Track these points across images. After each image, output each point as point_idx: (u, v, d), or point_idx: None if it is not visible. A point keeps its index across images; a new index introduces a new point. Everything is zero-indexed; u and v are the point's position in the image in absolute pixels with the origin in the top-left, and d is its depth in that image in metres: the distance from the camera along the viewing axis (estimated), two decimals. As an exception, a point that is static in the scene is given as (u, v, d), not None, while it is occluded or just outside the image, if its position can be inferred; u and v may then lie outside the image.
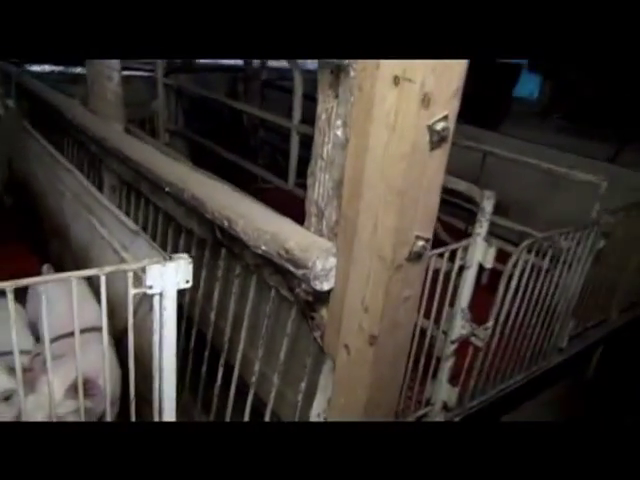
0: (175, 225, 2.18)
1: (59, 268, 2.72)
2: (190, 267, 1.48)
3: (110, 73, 2.69)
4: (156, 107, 4.02)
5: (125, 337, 2.00)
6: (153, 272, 1.43)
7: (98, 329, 1.92)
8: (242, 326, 1.77)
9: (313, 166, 1.31)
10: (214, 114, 4.30)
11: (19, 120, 3.26)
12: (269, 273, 1.62)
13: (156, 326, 1.50)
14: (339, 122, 1.20)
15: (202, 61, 4.78)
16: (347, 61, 1.15)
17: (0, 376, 1.45)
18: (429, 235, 1.18)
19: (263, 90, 4.90)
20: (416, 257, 1.17)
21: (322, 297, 1.36)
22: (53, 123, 3.22)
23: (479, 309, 2.00)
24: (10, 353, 1.72)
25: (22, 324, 1.93)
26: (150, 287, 1.44)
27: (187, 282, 1.50)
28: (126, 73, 4.83)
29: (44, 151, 2.51)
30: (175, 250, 2.27)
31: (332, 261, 1.28)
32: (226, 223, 1.57)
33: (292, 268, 1.33)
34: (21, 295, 2.13)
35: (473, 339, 1.92)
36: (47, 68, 4.16)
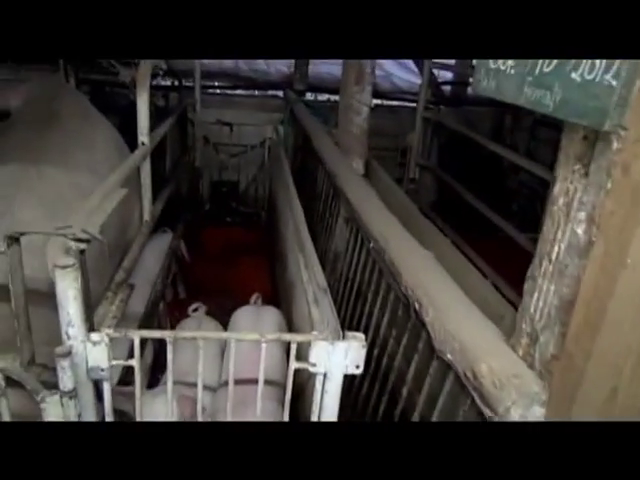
0: (388, 278, 1.95)
1: (276, 294, 2.77)
2: (363, 352, 1.22)
3: (360, 108, 2.61)
4: (411, 140, 3.88)
5: (304, 396, 1.85)
6: (319, 349, 1.22)
7: (274, 383, 1.81)
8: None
9: (535, 267, 0.90)
10: (471, 151, 3.96)
11: (278, 144, 3.49)
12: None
13: (315, 408, 1.29)
14: (582, 214, 0.78)
15: (470, 94, 4.48)
16: (611, 124, 0.72)
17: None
18: None
19: (535, 128, 4.32)
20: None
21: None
22: (308, 149, 3.34)
23: None
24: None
25: (215, 352, 1.94)
26: (314, 365, 1.23)
27: (357, 367, 1.25)
28: (395, 103, 4.87)
29: (284, 176, 2.58)
30: (384, 304, 2.05)
31: (537, 412, 0.85)
32: (417, 306, 1.25)
33: (478, 400, 0.94)
34: (225, 317, 2.18)
35: None
36: (321, 97, 4.42)
